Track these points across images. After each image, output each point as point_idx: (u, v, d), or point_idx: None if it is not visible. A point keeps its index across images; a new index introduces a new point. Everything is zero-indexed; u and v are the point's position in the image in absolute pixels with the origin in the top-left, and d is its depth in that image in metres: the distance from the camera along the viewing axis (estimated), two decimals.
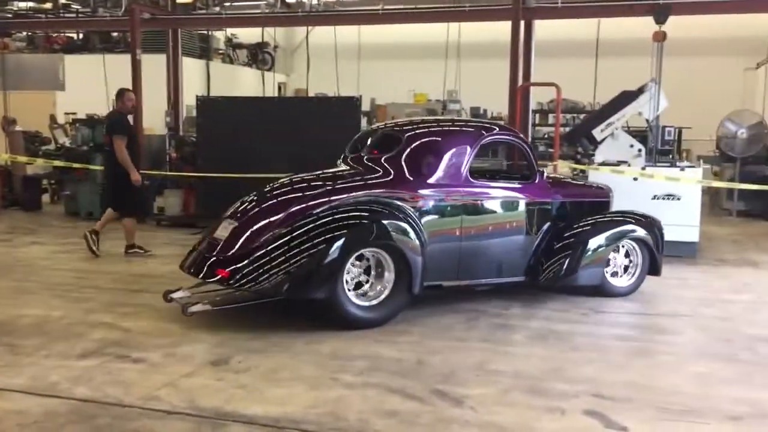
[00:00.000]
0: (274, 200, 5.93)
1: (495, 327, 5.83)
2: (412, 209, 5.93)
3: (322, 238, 5.43)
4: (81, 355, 4.91)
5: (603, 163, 9.34)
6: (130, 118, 9.13)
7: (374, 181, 6.07)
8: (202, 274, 5.70)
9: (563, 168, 9.95)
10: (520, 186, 6.65)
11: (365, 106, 14.43)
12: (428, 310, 6.13)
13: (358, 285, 5.67)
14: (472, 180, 6.31)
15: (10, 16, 19.66)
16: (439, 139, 6.52)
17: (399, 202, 5.90)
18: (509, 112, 11.79)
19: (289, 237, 5.50)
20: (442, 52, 15.98)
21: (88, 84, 15.41)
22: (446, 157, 6.25)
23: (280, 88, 21.20)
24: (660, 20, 10.12)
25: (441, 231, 6.08)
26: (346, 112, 10.47)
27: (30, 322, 5.71)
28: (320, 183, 6.09)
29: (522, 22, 11.92)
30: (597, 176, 8.83)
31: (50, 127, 14.36)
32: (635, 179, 8.90)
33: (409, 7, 14.42)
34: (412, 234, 5.73)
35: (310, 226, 5.54)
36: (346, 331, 5.53)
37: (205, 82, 18.28)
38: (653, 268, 6.95)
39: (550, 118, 17.41)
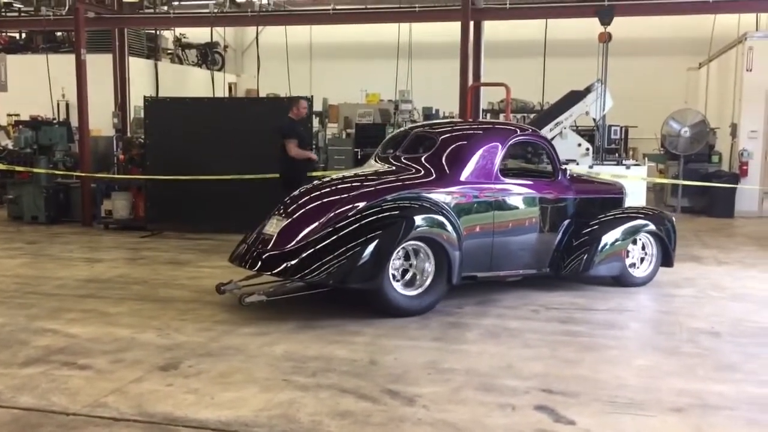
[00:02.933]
0: (323, 198, 6.33)
1: (448, 326, 5.88)
2: (449, 205, 6.33)
3: (370, 232, 5.83)
4: (24, 362, 4.78)
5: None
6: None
7: (414, 179, 6.49)
8: (257, 267, 6.05)
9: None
10: (545, 183, 7.09)
11: (317, 106, 14.38)
12: (381, 311, 6.14)
13: (402, 275, 6.08)
14: (502, 178, 6.73)
15: None
16: (472, 139, 6.94)
17: (438, 199, 6.30)
18: (460, 111, 11.88)
19: (339, 232, 5.89)
20: (393, 52, 16.06)
21: (32, 85, 15.01)
22: (479, 156, 6.67)
23: (230, 89, 20.97)
24: (605, 21, 10.35)
25: (475, 225, 6.50)
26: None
27: None
28: (363, 182, 6.53)
29: (471, 23, 12.02)
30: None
31: None
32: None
33: (360, 7, 14.44)
34: (450, 228, 6.16)
35: (358, 222, 5.94)
36: (300, 332, 5.51)
37: (154, 83, 17.97)
38: (666, 260, 7.36)
39: (501, 118, 17.61)
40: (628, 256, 7.22)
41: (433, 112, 16.25)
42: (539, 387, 4.47)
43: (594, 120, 10.46)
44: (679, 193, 13.30)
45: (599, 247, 7.00)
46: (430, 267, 6.17)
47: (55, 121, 13.20)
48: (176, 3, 19.31)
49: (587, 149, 9.93)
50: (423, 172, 6.56)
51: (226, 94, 19.65)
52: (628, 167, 9.48)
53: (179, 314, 5.65)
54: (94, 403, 4.10)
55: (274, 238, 6.10)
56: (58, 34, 18.11)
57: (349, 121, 15.64)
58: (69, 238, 10.32)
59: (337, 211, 6.09)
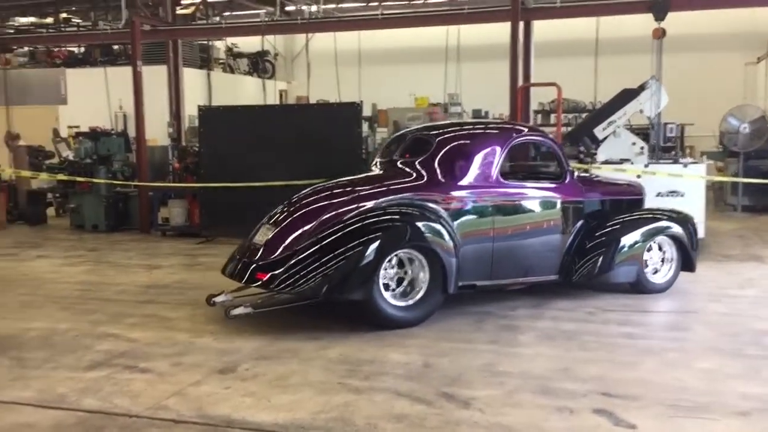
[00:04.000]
0: (310, 206, 6.12)
1: (502, 328, 5.83)
2: (444, 211, 6.07)
3: (357, 241, 5.60)
4: (88, 366, 4.92)
5: (605, 162, 9.33)
6: None
7: (407, 184, 6.23)
8: (244, 279, 5.88)
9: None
10: (551, 186, 6.75)
11: (367, 111, 14.45)
12: (436, 313, 6.12)
13: (399, 283, 5.84)
14: (503, 181, 6.44)
15: (11, 31, 19.80)
16: (469, 141, 6.65)
17: (431, 204, 6.05)
18: (510, 112, 11.79)
19: (325, 240, 5.68)
20: (442, 55, 16.04)
21: (91, 97, 15.51)
22: (477, 158, 6.38)
23: (281, 96, 21.25)
24: (659, 17, 10.13)
25: (473, 232, 6.19)
26: (347, 118, 10.46)
27: (37, 335, 5.73)
28: (353, 188, 6.26)
29: (521, 23, 11.93)
30: (600, 175, 8.82)
31: (53, 141, 14.42)
32: (638, 177, 8.89)
33: (408, 11, 14.49)
34: (445, 235, 5.88)
35: (346, 229, 5.72)
36: (353, 336, 5.53)
37: (207, 92, 18.35)
38: (687, 264, 7.02)
39: (552, 118, 17.39)
40: (647, 265, 6.85)
41: (483, 114, 16.18)
42: (597, 390, 4.39)
43: (649, 118, 10.24)
44: (740, 191, 12.91)
45: (613, 251, 6.64)
46: (424, 276, 5.86)
47: (113, 132, 13.58)
48: (228, 14, 19.69)
49: (642, 148, 9.71)
50: (416, 176, 6.28)
51: (277, 102, 19.92)
52: (685, 165, 9.24)
53: (235, 319, 5.74)
54: (156, 405, 4.20)
55: (261, 248, 5.91)
56: (115, 47, 18.66)
57: (398, 126, 15.65)
58: (128, 245, 10.60)
59: (322, 219, 5.87)
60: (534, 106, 14.94)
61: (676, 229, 6.94)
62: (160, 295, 7.08)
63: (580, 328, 5.81)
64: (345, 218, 5.83)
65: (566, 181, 6.79)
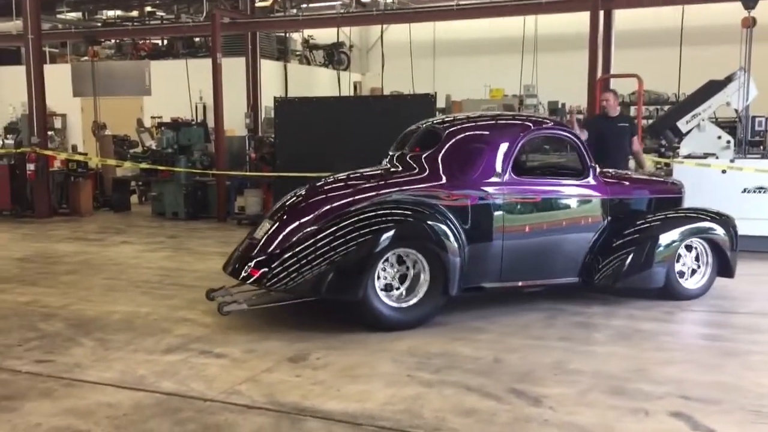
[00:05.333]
0: (309, 200, 5.90)
1: (575, 325, 5.71)
2: (448, 208, 5.75)
3: (352, 238, 5.37)
4: (166, 350, 5.08)
5: (689, 156, 8.99)
6: None
7: (410, 179, 5.94)
8: (240, 276, 5.69)
9: (647, 162, 9.63)
10: (570, 182, 6.37)
11: (441, 103, 14.38)
12: (506, 308, 6.06)
13: (390, 286, 5.55)
14: (516, 177, 6.06)
15: (99, 25, 20.59)
16: (480, 135, 6.31)
17: (435, 201, 5.76)
18: (588, 105, 11.50)
19: (319, 237, 5.45)
20: (518, 45, 15.76)
21: (173, 88, 15.97)
22: (487, 153, 6.05)
23: (355, 88, 21.37)
24: (749, 5, 9.65)
25: (481, 231, 5.85)
26: (421, 110, 10.41)
27: (119, 318, 5.96)
28: (356, 182, 6.02)
29: (601, 12, 11.61)
30: (682, 170, 8.52)
31: (137, 130, 14.94)
32: (724, 172, 8.54)
33: (485, 1, 14.28)
34: (448, 234, 5.57)
35: (342, 226, 5.46)
36: (423, 329, 5.53)
37: (283, 84, 18.64)
38: (725, 269, 6.55)
39: (632, 111, 16.88)
40: (679, 270, 6.40)
41: (560, 106, 15.86)
42: (675, 393, 4.25)
43: (736, 111, 9.81)
44: None
45: (640, 252, 6.21)
46: (424, 277, 5.58)
47: (193, 123, 13.95)
48: (304, 6, 19.92)
49: (728, 142, 9.31)
50: (420, 171, 5.98)
51: (351, 93, 20.06)
52: None
53: (307, 307, 5.82)
54: (229, 390, 4.30)
55: (258, 244, 5.72)
56: (197, 39, 19.18)
57: None
58: (205, 233, 10.90)
59: (316, 215, 5.64)
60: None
61: (714, 230, 6.48)
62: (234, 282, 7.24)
63: (657, 327, 5.64)
64: (340, 214, 5.58)
65: (588, 178, 6.36)
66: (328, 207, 5.70)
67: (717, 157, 8.96)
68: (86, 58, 19.30)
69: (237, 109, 15.04)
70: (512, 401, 4.13)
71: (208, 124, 13.93)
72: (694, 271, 6.53)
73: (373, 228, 5.43)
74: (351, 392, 4.28)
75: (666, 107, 15.84)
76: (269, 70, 17.73)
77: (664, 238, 6.29)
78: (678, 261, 6.41)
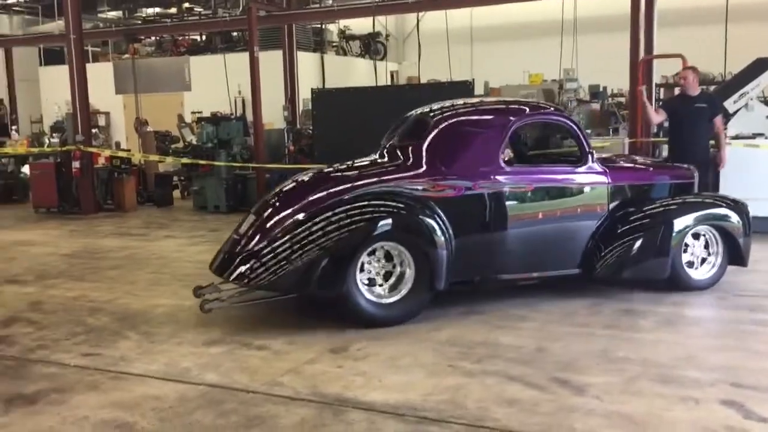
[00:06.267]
0: (289, 195, 5.76)
1: (620, 313, 5.59)
2: (434, 200, 5.54)
3: (333, 232, 5.22)
4: (209, 342, 5.13)
5: (736, 137, 8.73)
6: None
7: (395, 170, 5.72)
8: (224, 273, 5.57)
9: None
10: (567, 169, 6.11)
11: (479, 90, 14.24)
12: (549, 296, 5.97)
13: (386, 278, 5.42)
14: (506, 166, 5.85)
15: (139, 22, 20.91)
16: (467, 123, 6.04)
17: (420, 193, 5.55)
18: (631, 87, 11.25)
19: (297, 233, 5.30)
20: (557, 29, 15.51)
21: (212, 83, 16.13)
22: (474, 142, 5.85)
23: (392, 77, 21.32)
24: None
25: (469, 223, 5.64)
26: (459, 97, 10.33)
27: (163, 311, 6.04)
28: (341, 175, 5.84)
29: None
30: (730, 151, 8.26)
31: (178, 126, 15.12)
32: None
33: None
34: (433, 227, 5.38)
35: (322, 220, 5.30)
36: (464, 318, 5.48)
37: (320, 75, 18.68)
38: (737, 258, 6.21)
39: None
40: (687, 259, 6.08)
41: (601, 89, 15.56)
42: (725, 380, 4.13)
43: None
44: None
45: (643, 242, 5.92)
46: (410, 272, 5.40)
47: (232, 117, 14.08)
48: None
49: None
50: (405, 162, 5.76)
51: (388, 83, 20.00)
52: None
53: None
54: (272, 381, 4.32)
55: (242, 240, 5.57)
56: (234, 34, 19.33)
57: None
58: None
59: (295, 209, 5.46)
60: (657, 79, 14.19)
61: (724, 217, 6.14)
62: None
63: (706, 314, 5.50)
64: (323, 207, 5.40)
65: (586, 165, 6.07)
66: (307, 201, 5.51)
67: (766, 137, 8.69)
68: (127, 55, 19.62)
69: (275, 102, 15.12)
70: (556, 390, 4.07)
71: (247, 118, 14.04)
72: (704, 260, 6.21)
73: (354, 222, 5.26)
74: (393, 383, 4.26)
75: (712, 87, 15.44)
76: (306, 62, 17.77)
77: (669, 227, 5.97)
78: (686, 251, 6.10)
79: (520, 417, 3.73)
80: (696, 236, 6.16)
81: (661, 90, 16.55)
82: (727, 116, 9.23)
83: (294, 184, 5.96)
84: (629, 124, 11.51)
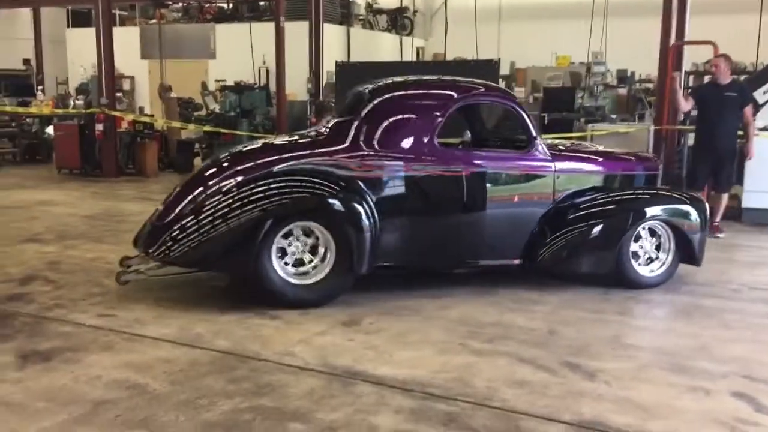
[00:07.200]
0: (218, 166, 5.60)
1: (633, 300, 5.56)
2: (361, 180, 5.32)
3: (247, 208, 5.03)
4: (223, 310, 5.15)
5: (764, 128, 8.58)
6: None
7: (324, 147, 5.47)
8: (139, 245, 5.51)
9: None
10: (509, 156, 5.82)
11: (504, 70, 14.11)
12: (563, 281, 5.93)
13: (303, 261, 5.22)
14: (440, 148, 5.58)
15: None
16: (402, 101, 5.78)
17: (346, 172, 5.31)
18: (659, 73, 11.07)
19: (214, 206, 5.14)
20: (587, 11, 15.27)
21: (237, 52, 16.11)
22: (408, 121, 5.60)
23: (418, 53, 21.16)
24: None
25: (398, 206, 5.42)
26: (484, 76, 10.18)
27: (179, 277, 6.00)
28: (272, 148, 5.72)
29: None
30: (758, 142, 8.13)
31: (202, 93, 15.15)
32: None
33: None
34: (356, 209, 5.15)
35: (239, 194, 5.12)
36: (477, 297, 5.47)
37: (346, 48, 18.57)
38: (689, 257, 5.90)
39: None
40: (633, 255, 5.77)
41: (629, 74, 15.35)
42: (738, 372, 4.10)
43: None
44: None
45: (586, 236, 5.66)
46: (330, 253, 5.19)
47: (256, 86, 14.07)
48: None
49: None
50: (337, 138, 5.50)
51: (414, 59, 19.86)
52: None
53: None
54: (283, 351, 4.35)
55: (163, 213, 5.46)
56: (261, 3, 19.24)
57: (536, 85, 15.20)
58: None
59: (211, 184, 5.30)
60: (687, 66, 13.97)
61: (677, 213, 5.80)
62: None
63: (722, 305, 5.44)
64: (239, 182, 5.21)
65: (531, 151, 5.79)
66: (230, 173, 5.35)
67: None
68: (154, 21, 19.62)
69: (299, 73, 15.07)
70: (566, 374, 4.06)
71: (270, 88, 14.02)
72: (650, 260, 5.89)
73: (267, 199, 5.07)
74: (402, 358, 4.28)
75: (743, 77, 15.17)
76: (332, 34, 17.67)
77: (615, 220, 5.71)
78: (637, 247, 5.81)
79: (529, 398, 3.74)
80: (652, 232, 5.84)
81: (691, 77, 16.30)
82: (757, 107, 9.07)
83: (227, 155, 5.79)
84: (656, 110, 11.36)
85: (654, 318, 5.14)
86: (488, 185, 5.65)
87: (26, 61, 19.94)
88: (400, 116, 5.62)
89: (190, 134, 14.26)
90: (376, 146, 5.46)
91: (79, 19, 21.51)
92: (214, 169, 5.57)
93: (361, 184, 5.31)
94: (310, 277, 5.22)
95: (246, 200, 5.07)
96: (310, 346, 4.45)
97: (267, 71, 16.56)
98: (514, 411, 3.59)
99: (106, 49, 12.66)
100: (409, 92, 5.94)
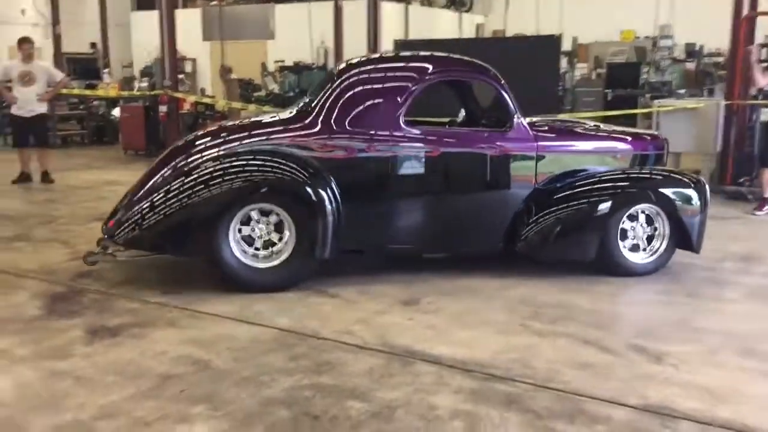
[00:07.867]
0: (174, 150, 5.58)
1: (703, 281, 5.38)
2: (323, 161, 5.15)
3: (205, 189, 4.94)
4: (282, 288, 5.20)
5: None
6: None
7: (288, 127, 5.32)
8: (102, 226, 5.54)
9: None
10: (485, 135, 5.52)
11: (566, 46, 13.78)
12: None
13: (264, 245, 5.10)
14: (408, 128, 5.31)
15: None
16: (366, 78, 5.48)
17: (308, 153, 5.15)
18: (731, 47, 10.62)
19: (165, 190, 5.06)
20: None
21: (296, 32, 16.18)
22: (372, 99, 5.33)
23: (477, 30, 20.84)
24: None
25: (363, 189, 5.26)
26: (544, 53, 10.01)
27: None
28: (236, 127, 5.63)
29: None
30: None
31: (261, 74, 15.31)
32: None
33: None
34: (317, 192, 5.00)
35: (200, 175, 5.02)
36: (539, 278, 5.38)
37: (404, 26, 18.43)
38: (686, 242, 5.47)
39: None
40: (624, 239, 5.39)
41: (697, 48, 14.80)
42: None
43: None
44: None
45: (569, 220, 5.33)
46: (289, 236, 5.05)
47: (314, 66, 14.12)
48: None
49: None
50: (302, 118, 5.32)
51: (474, 36, 19.58)
52: None
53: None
54: (342, 329, 4.37)
55: (129, 194, 5.44)
56: None
57: (599, 61, 14.81)
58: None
59: (172, 165, 5.29)
60: (760, 39, 13.36)
61: (672, 196, 5.38)
62: None
63: None
64: (200, 162, 5.16)
65: (511, 129, 5.43)
66: (192, 153, 5.33)
67: None
68: (215, 2, 19.86)
69: (357, 52, 14.95)
70: (631, 357, 3.96)
71: (329, 68, 14.04)
72: (637, 246, 5.48)
73: (225, 180, 4.97)
74: (462, 338, 4.24)
75: None
76: (390, 12, 17.56)
77: (601, 204, 5.32)
78: (625, 232, 5.43)
79: (592, 381, 3.66)
80: (634, 215, 5.42)
81: (764, 50, 15.58)
82: None
83: (194, 135, 5.77)
84: (726, 85, 10.90)
85: (725, 300, 4.96)
86: (460, 167, 5.43)
87: (93, 45, 20.48)
88: (364, 95, 5.36)
89: (250, 115, 14.42)
90: (339, 126, 5.25)
91: (143, 2, 21.94)
92: (184, 148, 5.53)
93: (323, 166, 5.15)
94: (269, 261, 5.09)
95: (205, 181, 4.98)
96: (369, 325, 4.46)
97: (325, 51, 16.58)
98: (577, 393, 3.52)
99: (168, 31, 12.85)
100: (376, 70, 5.67)
